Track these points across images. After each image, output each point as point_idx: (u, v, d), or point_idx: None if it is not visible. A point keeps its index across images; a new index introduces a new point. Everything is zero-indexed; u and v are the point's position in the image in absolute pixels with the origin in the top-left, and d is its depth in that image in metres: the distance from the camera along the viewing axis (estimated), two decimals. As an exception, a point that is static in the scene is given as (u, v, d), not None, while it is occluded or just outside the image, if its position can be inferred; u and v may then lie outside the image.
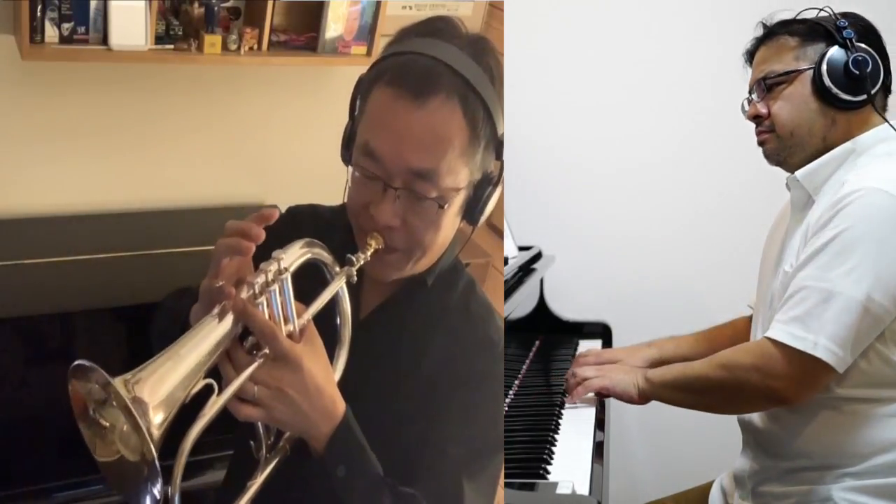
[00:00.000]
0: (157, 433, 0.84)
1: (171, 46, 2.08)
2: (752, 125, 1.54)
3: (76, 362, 0.85)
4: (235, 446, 1.27)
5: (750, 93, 1.55)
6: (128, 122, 2.22)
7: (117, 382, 0.83)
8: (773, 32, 1.52)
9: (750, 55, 1.57)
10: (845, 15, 1.48)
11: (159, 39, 2.05)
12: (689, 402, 1.50)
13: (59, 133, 2.15)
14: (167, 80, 2.22)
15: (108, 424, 0.89)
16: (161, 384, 0.86)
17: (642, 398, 1.54)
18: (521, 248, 2.28)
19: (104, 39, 1.98)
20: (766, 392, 1.37)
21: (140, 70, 2.16)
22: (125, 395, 0.83)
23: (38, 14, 1.88)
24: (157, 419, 0.84)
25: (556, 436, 1.53)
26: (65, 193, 2.21)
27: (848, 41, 1.43)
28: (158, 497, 0.86)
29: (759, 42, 1.54)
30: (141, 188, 2.31)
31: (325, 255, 1.07)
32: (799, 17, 1.51)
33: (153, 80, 2.20)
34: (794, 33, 1.48)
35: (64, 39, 1.95)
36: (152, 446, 0.83)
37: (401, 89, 1.04)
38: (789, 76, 1.47)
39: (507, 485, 1.26)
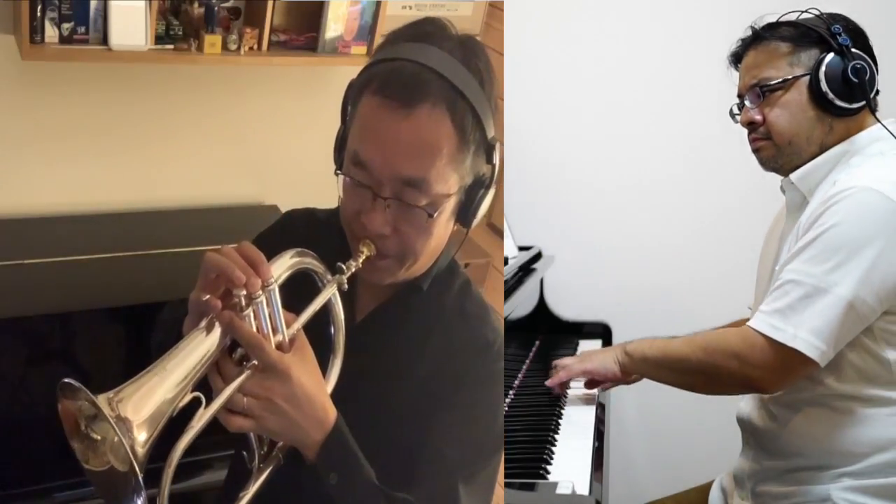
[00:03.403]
0: (140, 451, 0.84)
1: (171, 46, 2.08)
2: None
3: (63, 381, 0.85)
4: (236, 446, 1.27)
5: (739, 97, 1.53)
6: (128, 122, 2.22)
7: (101, 401, 0.84)
8: (761, 37, 1.49)
9: (736, 58, 1.54)
10: (833, 17, 1.46)
11: (159, 39, 2.06)
12: (668, 380, 1.52)
13: (59, 133, 2.15)
14: (167, 80, 2.22)
15: (99, 437, 0.89)
16: (146, 400, 0.87)
17: (624, 373, 1.57)
18: (521, 248, 2.29)
19: (104, 39, 1.98)
20: (742, 379, 1.39)
21: (140, 70, 2.16)
22: (109, 414, 0.83)
23: (38, 14, 1.88)
24: (142, 437, 0.85)
25: (556, 436, 1.53)
26: (65, 193, 2.21)
27: (844, 48, 1.41)
28: None
29: (747, 46, 1.52)
30: (141, 188, 2.31)
31: (315, 265, 1.07)
32: (785, 20, 1.48)
33: (153, 80, 2.20)
34: (785, 38, 1.46)
35: (64, 39, 1.95)
36: (136, 465, 0.83)
37: (388, 98, 1.03)
38: (786, 84, 1.45)
39: (507, 485, 1.26)
